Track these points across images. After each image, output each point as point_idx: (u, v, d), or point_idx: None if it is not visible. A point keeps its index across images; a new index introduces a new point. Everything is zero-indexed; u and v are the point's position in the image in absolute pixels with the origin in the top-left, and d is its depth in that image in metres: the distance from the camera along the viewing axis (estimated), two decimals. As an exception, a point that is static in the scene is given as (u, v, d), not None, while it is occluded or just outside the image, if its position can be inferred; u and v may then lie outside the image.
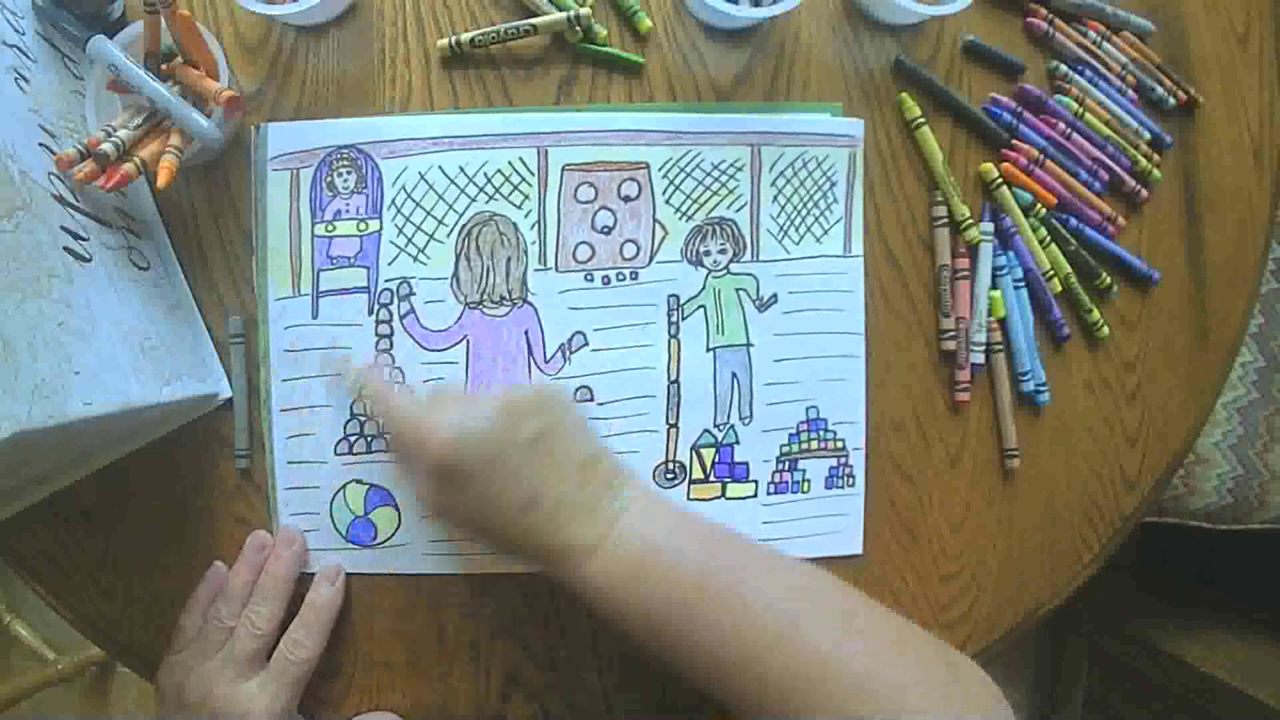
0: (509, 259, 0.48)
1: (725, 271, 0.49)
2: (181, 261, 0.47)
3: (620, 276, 0.48)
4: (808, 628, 0.36)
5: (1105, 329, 0.51)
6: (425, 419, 0.39)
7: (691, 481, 0.49)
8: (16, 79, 0.39)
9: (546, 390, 0.42)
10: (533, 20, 0.47)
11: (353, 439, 0.47)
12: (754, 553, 0.40)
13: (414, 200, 0.47)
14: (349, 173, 0.47)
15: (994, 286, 0.50)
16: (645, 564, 0.38)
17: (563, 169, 0.48)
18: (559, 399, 0.42)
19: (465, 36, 0.47)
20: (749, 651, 0.36)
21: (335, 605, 0.46)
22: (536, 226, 0.48)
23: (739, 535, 0.41)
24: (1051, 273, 0.51)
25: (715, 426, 0.49)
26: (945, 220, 0.50)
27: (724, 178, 0.49)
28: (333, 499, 0.47)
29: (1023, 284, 0.51)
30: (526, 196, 0.48)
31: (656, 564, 0.38)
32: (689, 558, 0.38)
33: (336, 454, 0.47)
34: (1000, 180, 0.50)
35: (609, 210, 0.48)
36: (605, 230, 0.48)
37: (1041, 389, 0.51)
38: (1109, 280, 0.51)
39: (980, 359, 0.50)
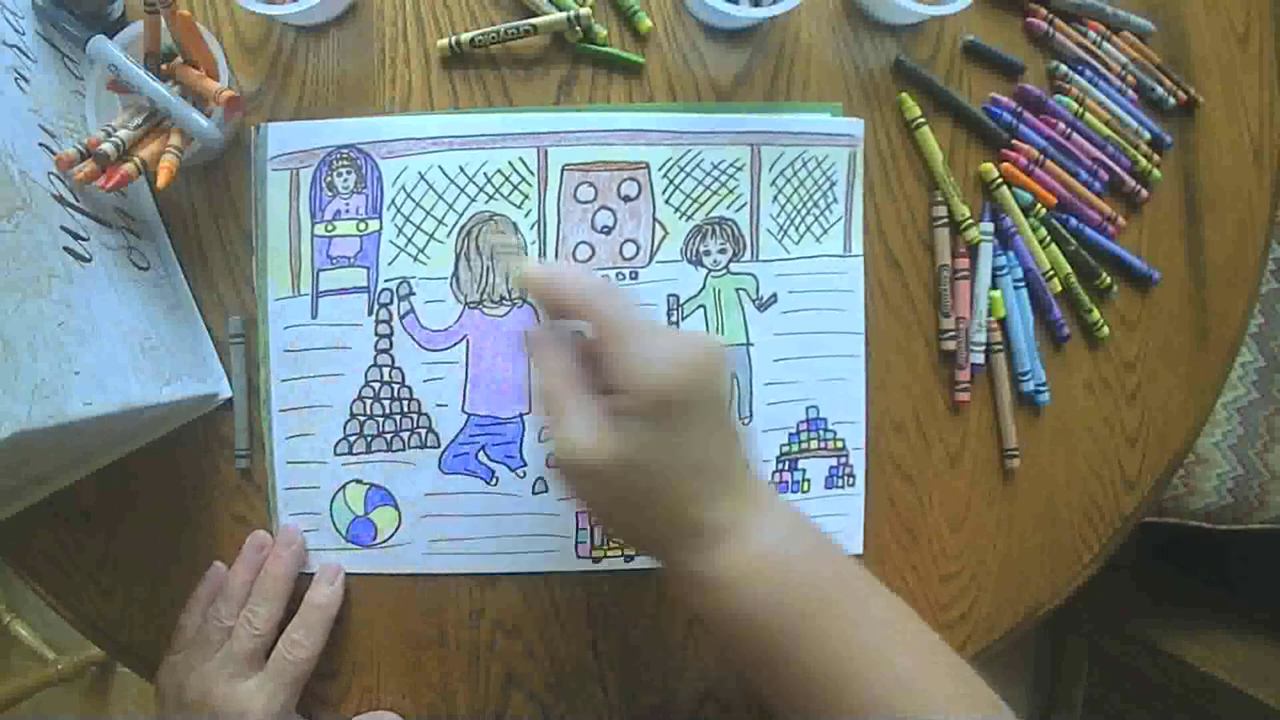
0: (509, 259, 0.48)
1: (725, 271, 0.49)
2: (181, 261, 0.47)
3: (620, 276, 0.48)
4: (902, 651, 0.36)
5: (1105, 329, 0.51)
6: (650, 345, 0.36)
7: (691, 481, 0.49)
8: (16, 79, 0.39)
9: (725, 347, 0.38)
10: (533, 20, 0.47)
11: (352, 439, 0.47)
12: (859, 571, 0.39)
13: (414, 200, 0.47)
14: (349, 173, 0.47)
15: (994, 286, 0.50)
16: (772, 562, 0.37)
17: (562, 169, 0.48)
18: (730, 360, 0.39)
19: (465, 36, 0.47)
20: (845, 667, 0.35)
21: (334, 605, 0.46)
22: (536, 226, 0.48)
23: (842, 550, 0.40)
24: (1051, 273, 0.51)
25: (715, 426, 0.49)
26: (945, 220, 0.50)
27: (724, 177, 0.49)
28: (333, 499, 0.47)
29: (1023, 284, 0.51)
30: (526, 196, 0.48)
31: (782, 564, 0.37)
32: (810, 568, 0.37)
33: (336, 454, 0.47)
34: (1000, 180, 0.50)
35: (609, 210, 0.48)
36: (605, 230, 0.48)
37: (1041, 389, 0.51)
38: (1109, 280, 0.51)
39: (980, 359, 0.50)
